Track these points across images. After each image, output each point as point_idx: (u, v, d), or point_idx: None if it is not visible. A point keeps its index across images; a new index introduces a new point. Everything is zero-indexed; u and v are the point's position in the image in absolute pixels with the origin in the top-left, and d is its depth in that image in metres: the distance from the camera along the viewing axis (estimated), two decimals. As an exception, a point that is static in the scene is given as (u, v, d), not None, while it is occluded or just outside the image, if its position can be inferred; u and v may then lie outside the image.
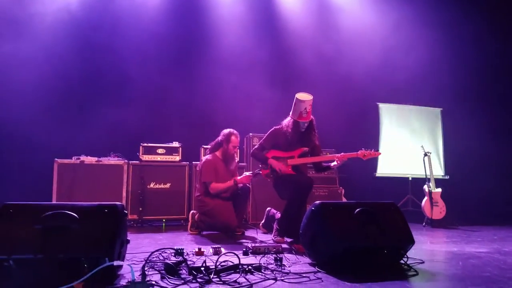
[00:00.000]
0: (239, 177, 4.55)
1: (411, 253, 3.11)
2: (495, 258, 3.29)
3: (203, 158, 4.79)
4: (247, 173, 4.58)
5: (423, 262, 3.02)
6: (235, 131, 4.70)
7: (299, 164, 4.20)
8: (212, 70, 7.10)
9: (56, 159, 5.15)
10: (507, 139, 7.78)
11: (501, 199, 7.36)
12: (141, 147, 5.53)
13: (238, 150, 4.88)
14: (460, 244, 4.11)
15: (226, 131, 4.72)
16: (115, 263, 2.17)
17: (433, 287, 2.31)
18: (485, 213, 7.10)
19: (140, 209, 5.35)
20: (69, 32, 6.42)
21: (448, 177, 7.83)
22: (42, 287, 1.93)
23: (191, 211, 4.88)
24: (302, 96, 4.08)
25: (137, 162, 5.48)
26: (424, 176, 6.32)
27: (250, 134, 5.90)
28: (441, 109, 8.27)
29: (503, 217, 6.78)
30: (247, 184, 4.69)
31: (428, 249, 3.84)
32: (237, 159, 4.89)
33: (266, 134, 4.37)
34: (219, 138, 4.75)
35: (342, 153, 4.18)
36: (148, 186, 5.45)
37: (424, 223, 5.98)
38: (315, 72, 7.43)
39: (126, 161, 5.43)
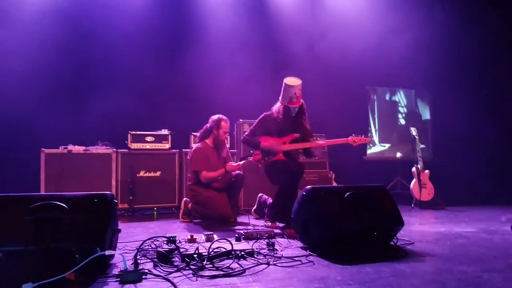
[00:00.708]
0: (229, 164, 4.55)
1: (401, 234, 3.16)
2: (482, 238, 3.36)
3: (193, 146, 4.74)
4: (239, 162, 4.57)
5: (412, 243, 3.07)
6: (224, 117, 4.66)
7: (290, 149, 4.21)
8: (200, 57, 7.01)
9: (42, 149, 5.08)
10: (493, 122, 7.88)
11: (487, 180, 7.48)
12: (129, 135, 5.47)
13: (229, 136, 4.85)
14: (448, 225, 4.19)
15: (215, 117, 4.67)
16: (107, 252, 2.17)
17: (422, 267, 2.35)
18: (472, 194, 7.22)
19: (131, 198, 5.32)
20: (57, 20, 6.29)
21: (436, 159, 7.93)
22: (34, 278, 1.91)
23: (184, 199, 4.86)
24: (290, 81, 4.05)
25: (126, 150, 5.43)
26: (413, 159, 6.39)
27: (240, 120, 5.88)
28: (430, 92, 8.34)
29: (489, 197, 6.90)
30: (242, 173, 4.69)
31: (417, 230, 3.90)
32: (228, 145, 4.86)
33: (256, 121, 4.35)
34: (208, 124, 4.69)
35: (333, 139, 4.20)
36: (138, 175, 5.41)
37: (412, 205, 6.07)
38: (304, 57, 7.40)
39: (114, 149, 5.38)
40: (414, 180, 6.16)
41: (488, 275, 2.13)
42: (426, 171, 6.19)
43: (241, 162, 4.42)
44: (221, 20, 7.22)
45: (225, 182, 4.61)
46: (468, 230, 3.81)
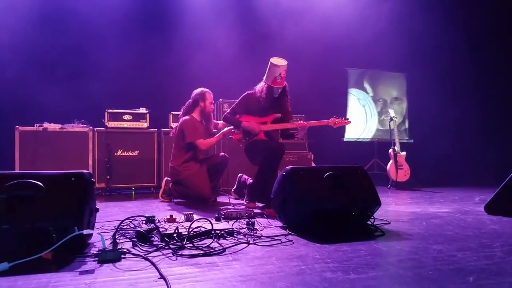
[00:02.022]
0: (227, 129, 4.46)
1: (378, 214, 3.21)
2: (456, 218, 3.46)
3: (181, 120, 4.59)
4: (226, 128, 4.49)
5: (389, 223, 3.13)
6: (207, 89, 4.60)
7: (271, 130, 4.20)
8: (179, 36, 6.90)
9: (17, 126, 4.94)
10: (467, 103, 8.05)
11: (461, 161, 7.68)
12: (106, 113, 5.38)
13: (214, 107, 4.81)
14: (423, 205, 4.29)
15: (198, 90, 4.60)
16: (85, 231, 2.13)
17: (399, 246, 2.41)
18: (447, 175, 7.40)
19: (108, 177, 5.25)
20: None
21: (412, 141, 8.08)
22: (9, 258, 1.87)
23: (165, 178, 4.78)
24: (277, 61, 4.00)
25: (103, 129, 5.34)
26: (390, 140, 6.49)
27: (220, 100, 5.83)
28: (406, 73, 8.43)
29: (462, 178, 7.10)
30: (226, 155, 4.67)
31: (394, 210, 3.98)
32: (213, 118, 4.79)
33: (238, 99, 4.31)
34: (191, 99, 4.61)
35: (313, 121, 4.21)
36: (115, 154, 5.34)
37: (389, 186, 6.19)
38: (284, 38, 7.34)
39: (91, 128, 5.28)
40: (390, 161, 6.26)
41: (462, 254, 2.19)
42: (403, 152, 6.31)
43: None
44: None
45: (207, 153, 4.58)
46: (443, 210, 3.91)
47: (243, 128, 4.13)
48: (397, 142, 6.31)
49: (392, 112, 6.62)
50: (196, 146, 4.43)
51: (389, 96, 8.39)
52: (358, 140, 7.94)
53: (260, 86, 4.15)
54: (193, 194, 4.45)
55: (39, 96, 5.79)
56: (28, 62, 6.03)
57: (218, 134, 4.51)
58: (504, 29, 8.13)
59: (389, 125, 6.55)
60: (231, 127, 4.37)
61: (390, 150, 6.31)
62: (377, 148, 7.66)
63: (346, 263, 2.02)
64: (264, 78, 4.12)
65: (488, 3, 8.03)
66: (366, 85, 8.27)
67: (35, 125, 5.04)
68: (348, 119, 4.25)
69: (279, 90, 4.10)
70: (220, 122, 4.70)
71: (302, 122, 4.19)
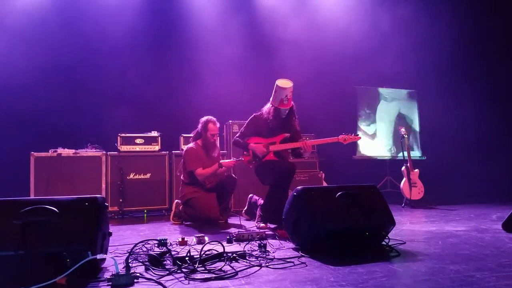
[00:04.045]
0: (223, 161, 4.50)
1: (392, 234, 3.17)
2: (473, 236, 3.39)
3: (185, 147, 4.70)
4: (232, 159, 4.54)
5: (404, 243, 3.08)
6: (212, 118, 4.59)
7: (281, 149, 4.20)
8: (189, 59, 7.00)
9: (32, 152, 5.02)
10: (480, 119, 7.97)
11: (475, 178, 7.56)
12: (119, 137, 5.44)
13: (218, 138, 4.81)
14: (439, 224, 4.22)
15: (203, 119, 4.62)
16: (98, 256, 2.14)
17: (414, 267, 2.36)
18: (461, 192, 7.28)
19: (121, 200, 5.28)
20: (46, 25, 6.28)
21: (425, 157, 8.00)
22: (25, 283, 1.88)
23: (176, 201, 4.82)
24: (282, 83, 4.04)
25: (116, 153, 5.40)
26: (402, 158, 6.43)
27: (230, 121, 5.87)
28: (417, 90, 8.41)
29: (478, 196, 6.97)
30: (234, 175, 4.66)
31: (409, 229, 3.92)
32: (218, 146, 4.83)
33: (246, 121, 4.34)
34: (198, 128, 4.67)
35: (323, 139, 4.21)
36: (127, 177, 5.38)
37: (403, 204, 6.10)
38: (292, 57, 7.40)
39: (104, 152, 5.34)
40: (404, 179, 6.20)
41: (481, 274, 2.14)
42: (416, 170, 6.24)
43: (235, 159, 4.40)
44: (209, 21, 7.22)
45: (216, 181, 4.59)
46: (459, 228, 3.83)
47: (252, 150, 4.16)
48: (409, 159, 6.25)
49: (403, 130, 6.58)
50: (194, 176, 4.45)
51: (401, 113, 8.36)
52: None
53: (267, 107, 4.18)
54: (201, 216, 4.43)
55: (53, 121, 5.89)
56: (42, 89, 6.14)
57: (213, 166, 4.48)
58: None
59: (401, 142, 6.51)
60: (228, 161, 4.43)
61: (403, 168, 6.24)
62: (390, 165, 7.60)
63: (361, 286, 1.99)
64: (271, 100, 4.15)
65: (501, 13, 8.02)
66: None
67: (50, 150, 5.11)
68: (358, 135, 4.24)
69: (286, 111, 4.13)
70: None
71: (312, 140, 4.18)
